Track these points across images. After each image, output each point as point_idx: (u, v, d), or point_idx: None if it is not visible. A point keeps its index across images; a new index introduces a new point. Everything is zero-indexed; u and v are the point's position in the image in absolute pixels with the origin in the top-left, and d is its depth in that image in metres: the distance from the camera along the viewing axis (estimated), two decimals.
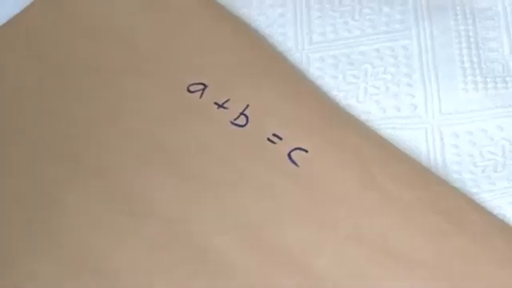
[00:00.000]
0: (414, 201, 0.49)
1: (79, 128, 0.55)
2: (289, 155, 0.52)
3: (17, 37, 0.61)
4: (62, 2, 0.62)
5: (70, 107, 0.56)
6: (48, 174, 0.53)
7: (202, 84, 0.56)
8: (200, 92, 0.55)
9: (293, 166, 0.51)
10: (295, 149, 0.52)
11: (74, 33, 0.60)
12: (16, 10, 0.62)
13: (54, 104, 0.56)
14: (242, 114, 0.54)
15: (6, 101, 0.57)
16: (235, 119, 0.54)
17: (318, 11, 0.60)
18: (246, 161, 0.52)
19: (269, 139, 0.52)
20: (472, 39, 0.56)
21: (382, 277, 0.47)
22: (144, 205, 0.51)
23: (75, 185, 0.52)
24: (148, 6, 0.60)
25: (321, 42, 0.58)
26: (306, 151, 0.52)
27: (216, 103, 0.55)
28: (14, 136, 0.55)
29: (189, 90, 0.56)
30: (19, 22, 0.61)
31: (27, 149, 0.55)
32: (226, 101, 0.55)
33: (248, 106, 0.54)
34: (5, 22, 0.61)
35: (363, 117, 0.54)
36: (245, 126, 0.53)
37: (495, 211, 0.49)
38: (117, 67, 0.58)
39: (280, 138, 0.52)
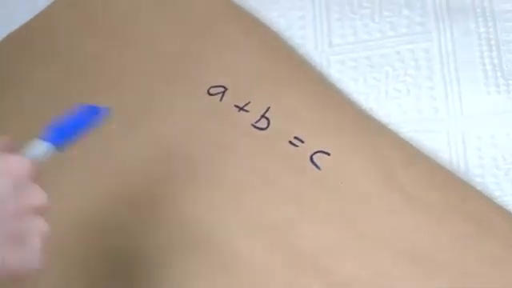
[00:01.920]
0: (437, 202, 0.49)
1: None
2: (311, 158, 0.51)
3: (34, 38, 0.61)
4: (86, 2, 0.62)
5: None
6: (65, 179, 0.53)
7: (222, 87, 0.55)
8: (220, 95, 0.55)
9: (315, 169, 0.51)
10: (317, 152, 0.51)
11: (94, 33, 0.60)
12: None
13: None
14: (263, 116, 0.54)
15: (30, 99, 0.57)
16: (256, 122, 0.53)
17: (337, 13, 0.59)
18: (268, 164, 0.52)
19: (290, 142, 0.52)
20: (493, 42, 0.56)
21: (407, 279, 0.46)
22: (164, 210, 0.51)
23: (93, 189, 0.52)
24: (171, 9, 0.60)
25: (341, 45, 0.58)
26: (328, 154, 0.51)
27: (237, 106, 0.54)
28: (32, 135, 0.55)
29: (209, 93, 0.55)
30: (38, 22, 0.61)
31: None
32: (247, 103, 0.54)
33: (269, 108, 0.54)
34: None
35: (384, 119, 0.54)
36: (266, 128, 0.53)
37: None
38: (138, 69, 0.57)
39: (302, 141, 0.52)
